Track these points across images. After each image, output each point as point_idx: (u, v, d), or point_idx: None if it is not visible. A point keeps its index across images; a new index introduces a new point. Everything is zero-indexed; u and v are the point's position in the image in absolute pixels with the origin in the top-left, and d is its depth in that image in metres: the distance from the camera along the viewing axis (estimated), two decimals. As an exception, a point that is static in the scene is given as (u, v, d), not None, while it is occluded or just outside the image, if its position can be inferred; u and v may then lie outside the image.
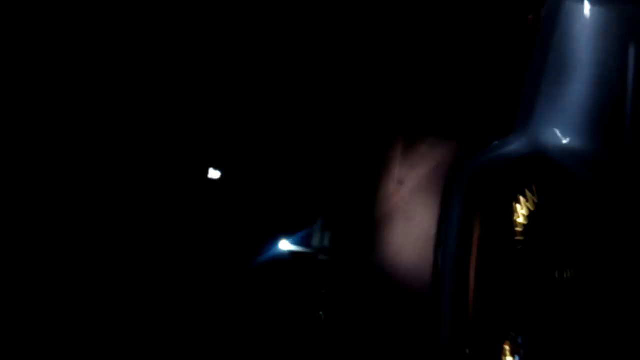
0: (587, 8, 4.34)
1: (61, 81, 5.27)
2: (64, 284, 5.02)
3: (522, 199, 4.44)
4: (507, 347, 4.14)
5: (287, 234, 5.57)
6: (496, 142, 4.69)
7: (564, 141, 4.49)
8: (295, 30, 5.55)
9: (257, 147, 5.73)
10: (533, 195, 4.41)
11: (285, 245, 5.53)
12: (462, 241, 4.56)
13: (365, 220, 5.15)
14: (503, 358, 4.12)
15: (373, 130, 5.35)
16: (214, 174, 5.62)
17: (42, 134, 5.19)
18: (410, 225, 4.85)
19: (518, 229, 4.44)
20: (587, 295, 4.00)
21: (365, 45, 5.44)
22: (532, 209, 4.38)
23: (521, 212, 4.42)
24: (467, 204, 4.65)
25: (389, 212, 5.04)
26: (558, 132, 4.49)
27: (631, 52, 4.12)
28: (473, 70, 4.95)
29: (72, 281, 5.04)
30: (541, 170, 4.44)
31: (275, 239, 5.57)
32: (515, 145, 4.63)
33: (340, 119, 5.57)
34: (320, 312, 5.00)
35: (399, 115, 5.21)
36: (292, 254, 5.56)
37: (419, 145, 5.03)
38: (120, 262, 5.28)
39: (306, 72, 5.63)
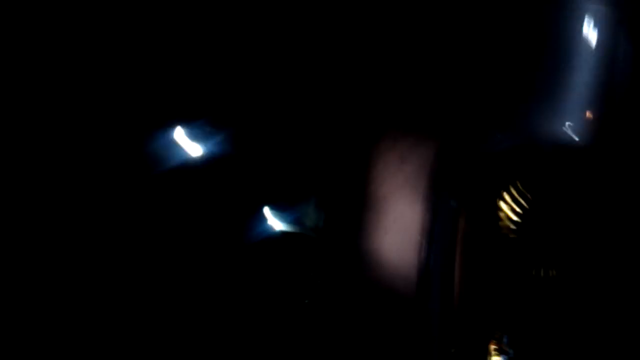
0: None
1: (56, 81, 5.25)
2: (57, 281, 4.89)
3: (509, 192, 4.39)
4: (492, 347, 4.09)
5: (278, 211, 5.56)
6: (485, 136, 4.63)
7: (555, 132, 4.39)
8: (302, 30, 5.46)
9: (252, 127, 5.66)
10: (521, 188, 4.35)
11: (276, 222, 5.50)
12: (449, 236, 4.52)
13: (354, 205, 5.11)
14: (489, 358, 4.08)
15: (365, 120, 5.29)
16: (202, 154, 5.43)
17: (35, 132, 5.17)
18: (397, 215, 4.81)
19: (507, 221, 4.38)
20: (574, 295, 3.92)
21: (363, 45, 5.35)
22: (521, 202, 4.32)
23: (509, 206, 4.36)
24: (455, 197, 4.60)
25: (378, 199, 5.00)
26: (549, 124, 4.40)
27: (621, 40, 4.02)
28: (464, 68, 4.85)
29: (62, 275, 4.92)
30: (530, 163, 4.38)
31: (266, 216, 5.56)
32: (505, 138, 4.56)
33: (335, 107, 5.50)
34: (306, 300, 4.99)
35: (391, 108, 5.15)
36: (283, 233, 5.53)
37: (409, 136, 4.98)
38: (113, 247, 5.12)
39: (304, 63, 5.52)
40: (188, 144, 5.40)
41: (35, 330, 4.70)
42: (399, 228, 4.74)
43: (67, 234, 5.06)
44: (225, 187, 5.61)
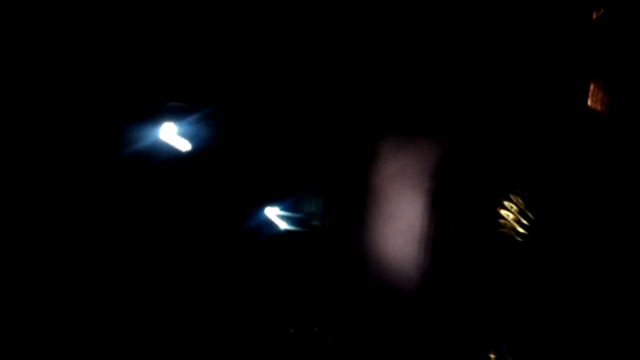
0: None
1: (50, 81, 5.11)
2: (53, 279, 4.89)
3: (508, 203, 4.39)
4: (492, 357, 4.13)
5: (279, 200, 5.51)
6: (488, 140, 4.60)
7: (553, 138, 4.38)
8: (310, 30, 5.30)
9: (253, 118, 5.55)
10: (521, 199, 4.36)
11: (276, 213, 5.44)
12: (450, 243, 4.53)
13: (353, 194, 5.09)
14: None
15: (368, 118, 5.22)
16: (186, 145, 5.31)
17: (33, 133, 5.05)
18: (394, 205, 4.80)
19: (509, 229, 4.39)
20: (575, 303, 3.96)
21: (368, 48, 5.23)
22: (521, 213, 4.33)
23: (509, 217, 4.37)
24: (453, 206, 4.60)
25: (375, 188, 4.98)
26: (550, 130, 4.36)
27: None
28: (466, 75, 4.79)
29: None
30: (528, 174, 4.38)
31: (266, 205, 5.51)
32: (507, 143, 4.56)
33: (335, 100, 5.41)
34: (315, 328, 5.00)
35: (394, 109, 5.09)
36: (285, 220, 5.48)
37: (406, 129, 4.94)
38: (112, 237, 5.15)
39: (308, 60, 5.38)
40: (178, 140, 5.27)
41: (24, 326, 4.68)
42: (395, 219, 4.74)
43: (54, 228, 4.96)
44: (221, 184, 5.54)
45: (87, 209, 5.12)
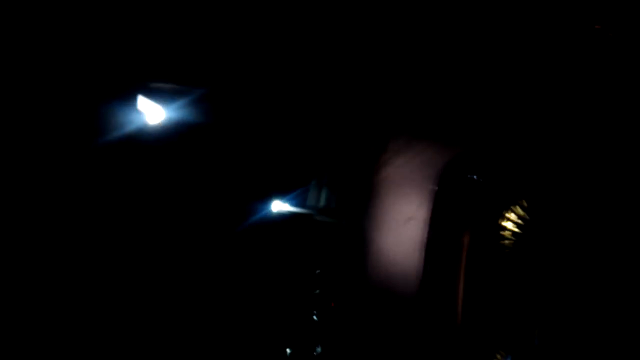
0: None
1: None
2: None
3: (511, 212, 4.45)
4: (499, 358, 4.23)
5: (282, 193, 5.52)
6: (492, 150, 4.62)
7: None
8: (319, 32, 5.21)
9: (257, 108, 5.52)
10: (523, 209, 4.41)
11: (279, 205, 5.45)
12: (451, 250, 4.58)
13: (354, 190, 5.11)
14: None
15: (376, 118, 5.22)
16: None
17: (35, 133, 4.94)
18: (394, 202, 4.84)
19: (507, 240, 4.46)
20: (578, 312, 4.05)
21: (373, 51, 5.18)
22: (521, 222, 4.39)
23: (510, 225, 4.43)
24: (456, 214, 4.65)
25: (377, 185, 5.02)
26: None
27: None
28: (469, 80, 4.80)
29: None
30: (531, 184, 4.43)
31: (270, 198, 5.52)
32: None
33: (345, 99, 5.38)
34: (314, 311, 5.06)
35: (403, 112, 5.09)
36: (288, 214, 5.50)
37: (405, 132, 4.96)
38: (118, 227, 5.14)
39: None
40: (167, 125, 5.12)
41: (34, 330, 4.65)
42: (397, 223, 4.78)
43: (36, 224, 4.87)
44: (222, 176, 5.50)
45: (77, 203, 5.02)
